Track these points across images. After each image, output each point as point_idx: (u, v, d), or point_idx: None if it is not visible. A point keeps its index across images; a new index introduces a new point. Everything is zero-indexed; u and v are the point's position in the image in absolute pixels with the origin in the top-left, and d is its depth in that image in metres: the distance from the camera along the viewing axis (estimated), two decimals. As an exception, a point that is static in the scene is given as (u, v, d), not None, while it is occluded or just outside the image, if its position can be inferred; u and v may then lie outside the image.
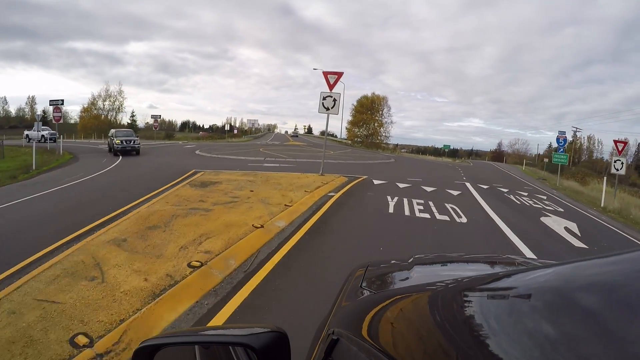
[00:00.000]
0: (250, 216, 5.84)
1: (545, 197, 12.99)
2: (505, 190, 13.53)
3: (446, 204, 8.42)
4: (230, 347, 0.83)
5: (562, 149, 22.32)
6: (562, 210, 10.26)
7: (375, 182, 11.48)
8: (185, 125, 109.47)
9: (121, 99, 59.91)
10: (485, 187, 13.46)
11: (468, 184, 13.53)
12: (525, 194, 13.25)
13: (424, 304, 0.57)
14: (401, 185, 11.03)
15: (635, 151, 69.36)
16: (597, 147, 71.43)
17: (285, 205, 6.69)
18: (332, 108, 10.86)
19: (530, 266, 0.72)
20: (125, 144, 17.80)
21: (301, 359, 0.89)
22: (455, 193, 10.60)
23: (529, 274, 0.50)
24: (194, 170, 11.96)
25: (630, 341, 0.28)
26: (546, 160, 30.12)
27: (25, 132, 27.46)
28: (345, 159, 21.25)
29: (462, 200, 9.53)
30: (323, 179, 10.71)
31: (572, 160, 66.53)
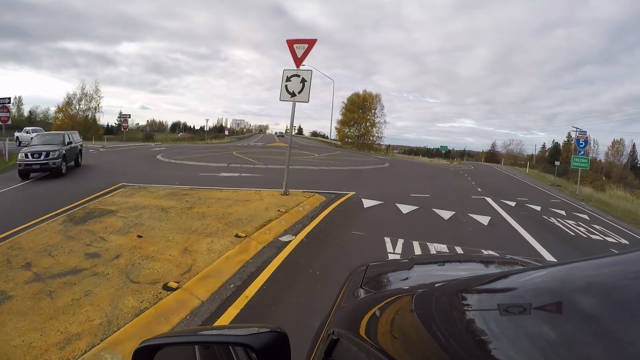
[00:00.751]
0: (49, 339, 2.23)
1: (587, 217, 9.80)
2: (537, 207, 10.20)
3: (483, 251, 4.95)
4: (230, 347, 0.82)
5: (582, 152, 19.21)
6: (626, 242, 7.29)
7: (366, 202, 7.91)
8: (175, 126, 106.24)
9: (98, 99, 56.00)
10: (511, 204, 10.08)
11: (490, 200, 10.11)
12: (562, 212, 10.03)
13: (424, 304, 0.57)
14: (404, 209, 7.49)
15: (630, 151, 67.46)
16: (592, 147, 69.53)
17: (165, 288, 3.08)
18: (299, 93, 7.30)
19: (529, 266, 0.69)
20: (32, 158, 10.46)
21: (301, 359, 0.88)
22: (484, 220, 7.12)
23: (526, 274, 0.50)
24: (120, 184, 8.68)
25: (629, 342, 0.27)
26: (557, 163, 27.08)
27: (16, 134, 25.16)
28: (330, 163, 17.70)
29: (500, 236, 6.12)
30: (285, 201, 7.12)
31: (567, 160, 64.71)
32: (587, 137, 19.00)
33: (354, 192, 8.95)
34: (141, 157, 18.05)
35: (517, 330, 0.37)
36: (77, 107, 55.19)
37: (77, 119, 52.88)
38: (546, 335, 0.33)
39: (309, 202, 7.37)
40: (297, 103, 7.54)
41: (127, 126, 44.46)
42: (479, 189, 12.70)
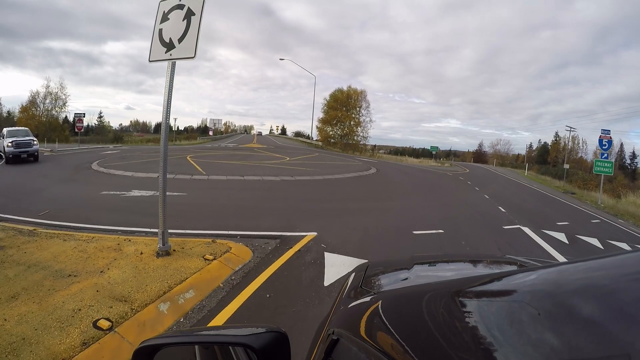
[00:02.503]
0: None
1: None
2: (594, 241, 6.82)
3: None
4: (230, 347, 0.82)
5: (606, 154, 15.95)
6: None
7: (332, 266, 4.01)
8: (159, 126, 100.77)
9: (64, 97, 50.85)
10: (560, 237, 6.59)
11: (530, 233, 6.49)
12: (624, 244, 6.77)
13: (423, 304, 0.56)
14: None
15: (619, 150, 66.60)
16: (581, 147, 68.69)
17: None
18: (180, 42, 3.40)
19: (529, 266, 0.72)
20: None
21: (301, 359, 0.89)
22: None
23: (525, 274, 0.50)
24: None
25: (627, 343, 0.27)
26: (566, 166, 24.04)
27: None
28: (300, 171, 13.77)
29: None
30: (146, 276, 3.29)
31: (556, 161, 63.39)
32: (610, 138, 15.73)
33: (314, 234, 5.06)
34: (72, 166, 14.03)
35: (515, 331, 0.36)
36: (42, 107, 50.51)
37: (39, 119, 48.34)
38: (545, 338, 0.33)
39: (202, 276, 3.50)
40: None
41: (82, 126, 39.43)
42: (502, 209, 9.04)
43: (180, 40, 3.51)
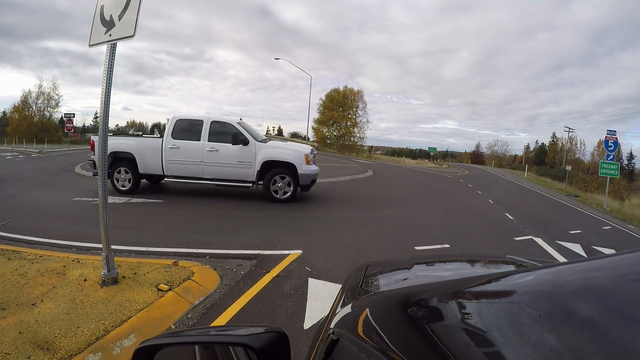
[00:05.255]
0: None
1: None
2: (611, 252, 5.83)
3: None
4: (230, 347, 0.81)
5: (612, 156, 15.29)
6: None
7: (316, 298, 3.24)
8: (155, 127, 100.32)
9: (57, 97, 49.79)
10: (576, 248, 5.87)
11: (543, 244, 5.81)
12: None
13: (422, 303, 0.57)
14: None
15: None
16: (579, 147, 68.64)
17: None
18: (120, 19, 2.62)
19: (529, 267, 0.72)
20: None
21: (301, 359, 0.90)
22: None
23: (522, 275, 0.49)
24: None
25: (626, 344, 0.27)
26: (568, 168, 23.47)
27: None
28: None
29: None
30: (83, 315, 2.40)
31: (553, 162, 63.15)
32: (616, 139, 15.07)
33: (298, 253, 4.27)
34: (54, 169, 13.31)
35: (514, 332, 0.36)
36: (34, 107, 49.59)
37: (32, 120, 47.51)
38: (544, 339, 0.32)
39: (150, 314, 2.79)
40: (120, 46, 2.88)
41: (72, 127, 38.53)
42: (509, 216, 8.31)
43: (120, 16, 2.76)
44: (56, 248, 4.56)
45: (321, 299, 3.10)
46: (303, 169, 7.35)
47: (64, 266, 3.80)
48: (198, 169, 7.55)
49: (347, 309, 0.82)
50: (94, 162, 7.85)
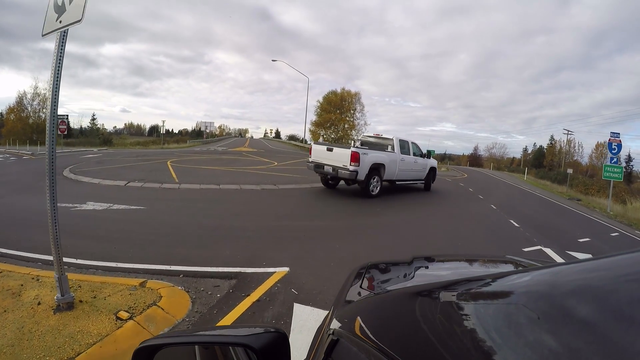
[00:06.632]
0: None
1: None
2: None
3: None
4: (230, 347, 0.81)
5: (615, 159, 14.88)
6: None
7: (297, 343, 2.75)
8: (153, 129, 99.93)
9: None
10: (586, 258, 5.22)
11: (553, 255, 5.25)
12: None
13: (423, 304, 0.57)
14: None
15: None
16: (577, 150, 68.73)
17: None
18: (71, 3, 2.20)
19: (528, 267, 0.72)
20: None
21: (301, 359, 0.88)
22: None
23: (519, 276, 0.50)
24: None
25: (624, 344, 0.27)
26: (569, 171, 23.09)
27: None
28: (286, 179, 12.50)
29: None
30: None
31: (551, 164, 63.00)
32: (620, 141, 14.66)
33: (284, 271, 3.78)
34: (43, 171, 12.72)
35: (511, 332, 0.36)
36: (29, 108, 48.99)
37: (27, 121, 47.02)
38: (542, 340, 0.32)
39: (103, 349, 2.31)
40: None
41: (65, 129, 37.97)
42: (514, 223, 7.86)
43: (70, 2, 2.31)
44: (22, 262, 4.11)
45: (307, 331, 2.62)
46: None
47: (22, 285, 3.35)
48: (404, 174, 10.47)
49: (347, 309, 0.83)
50: None
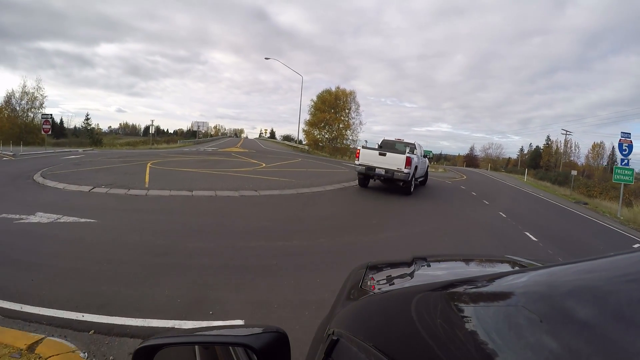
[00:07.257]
0: None
1: None
2: None
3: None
4: (230, 347, 0.80)
5: (626, 161, 13.95)
6: None
7: None
8: (148, 129, 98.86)
9: (41, 98, 47.60)
10: None
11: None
12: None
13: (423, 304, 0.57)
14: None
15: (610, 154, 66.78)
16: (573, 150, 68.52)
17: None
18: None
19: (527, 267, 0.71)
20: None
21: (301, 359, 0.86)
22: None
23: (517, 276, 0.49)
24: None
25: (620, 347, 0.27)
26: (574, 173, 22.23)
27: None
28: (270, 183, 11.35)
29: None
30: None
31: (548, 164, 62.51)
32: (631, 142, 13.74)
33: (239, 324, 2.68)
34: (14, 175, 11.40)
35: (511, 333, 0.36)
36: (18, 108, 47.66)
37: (15, 121, 45.72)
38: (542, 341, 0.32)
39: None
40: None
41: (49, 128, 36.62)
42: (531, 236, 6.80)
43: None
44: None
45: None
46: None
47: None
48: (419, 173, 11.39)
49: (347, 309, 0.83)
50: None
